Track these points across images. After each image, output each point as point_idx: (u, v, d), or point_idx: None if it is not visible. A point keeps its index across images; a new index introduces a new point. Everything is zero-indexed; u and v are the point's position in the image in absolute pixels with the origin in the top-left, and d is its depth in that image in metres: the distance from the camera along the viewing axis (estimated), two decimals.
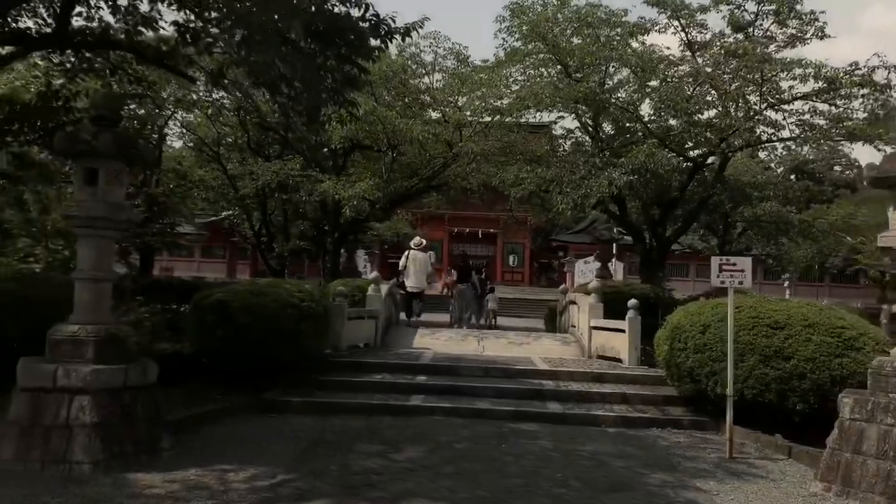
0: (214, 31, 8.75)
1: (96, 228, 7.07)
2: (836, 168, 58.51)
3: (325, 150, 19.97)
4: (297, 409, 9.46)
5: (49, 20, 9.64)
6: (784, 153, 31.81)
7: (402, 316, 17.06)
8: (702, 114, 16.01)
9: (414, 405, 9.58)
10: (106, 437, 6.42)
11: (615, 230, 26.35)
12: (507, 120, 18.92)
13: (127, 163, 7.44)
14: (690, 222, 19.78)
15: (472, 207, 44.68)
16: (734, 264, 8.40)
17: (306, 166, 18.10)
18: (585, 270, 42.62)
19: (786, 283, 41.20)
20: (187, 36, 8.94)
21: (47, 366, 6.61)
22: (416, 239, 17.30)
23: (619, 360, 12.23)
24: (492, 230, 48.51)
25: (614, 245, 26.49)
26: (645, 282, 18.64)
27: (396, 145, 17.97)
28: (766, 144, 17.71)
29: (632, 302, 12.10)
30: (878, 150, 16.05)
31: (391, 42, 8.49)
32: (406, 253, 16.04)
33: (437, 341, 14.12)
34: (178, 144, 28.30)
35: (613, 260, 42.71)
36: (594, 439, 8.54)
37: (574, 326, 15.05)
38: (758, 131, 17.42)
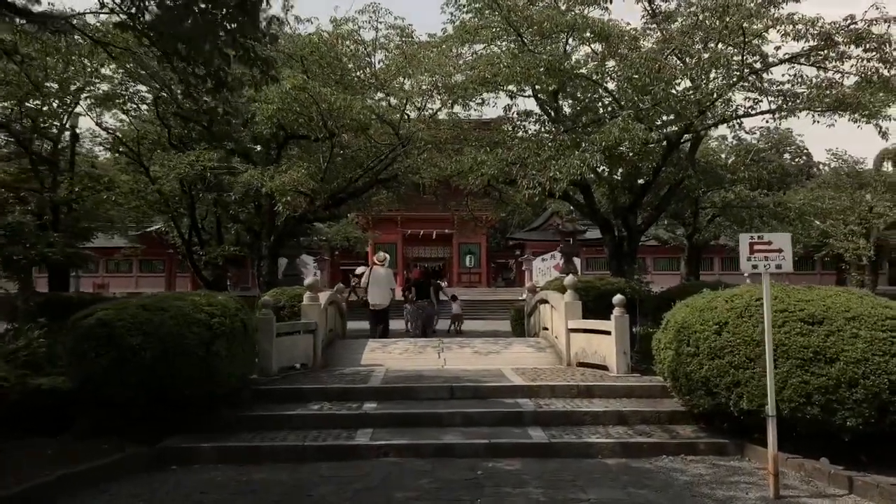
0: None
1: None
2: (786, 156, 58.29)
3: (255, 143, 17.70)
4: (208, 458, 7.28)
5: None
6: (734, 142, 30.62)
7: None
8: (676, 86, 14.26)
9: (360, 444, 7.47)
10: None
11: (577, 223, 24.58)
12: (457, 103, 16.97)
13: None
14: (662, 209, 18.09)
15: (426, 208, 42.69)
16: (769, 243, 6.55)
17: (228, 157, 15.76)
18: (543, 268, 41.20)
19: (745, 273, 40.22)
20: None
21: None
22: (380, 254, 16.93)
23: (605, 368, 10.33)
24: (446, 231, 46.45)
25: (571, 239, 24.69)
26: (615, 276, 16.87)
27: (336, 133, 15.81)
28: (743, 118, 16.03)
29: (618, 298, 10.20)
30: (868, 123, 14.52)
31: None
32: (368, 269, 15.30)
33: (389, 355, 12.02)
34: (97, 149, 25.65)
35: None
36: (595, 480, 6.55)
37: (546, 329, 13.12)
38: (734, 104, 15.81)
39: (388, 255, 17.24)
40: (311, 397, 8.95)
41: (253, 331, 9.23)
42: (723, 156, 24.18)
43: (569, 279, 11.73)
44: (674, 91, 13.53)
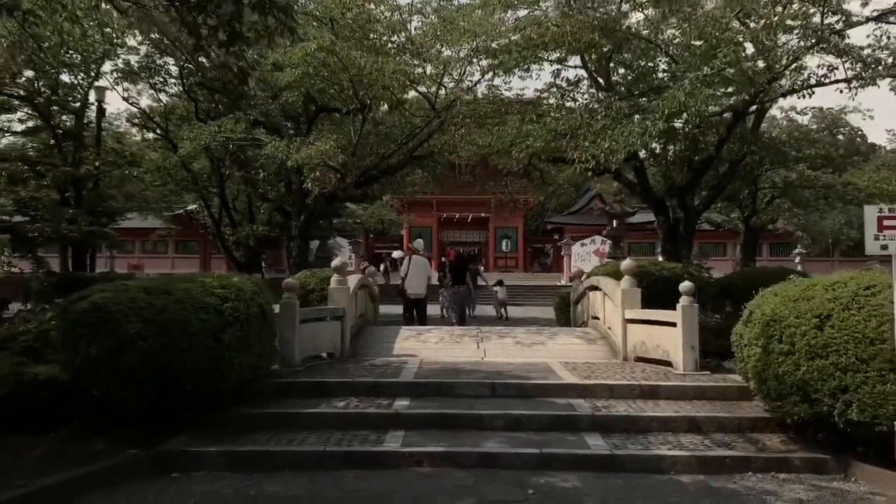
0: None
1: None
2: (839, 136, 55.59)
3: (285, 118, 16.69)
4: (214, 464, 6.28)
5: None
6: (784, 123, 28.78)
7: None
8: (744, 49, 12.80)
9: (389, 451, 6.40)
10: None
11: (625, 205, 23.10)
12: (499, 72, 15.73)
13: None
14: (721, 188, 16.62)
15: (462, 191, 41.43)
16: None
17: (252, 129, 14.78)
18: (582, 253, 39.75)
19: (797, 259, 38.25)
20: None
21: None
22: (418, 241, 16.66)
23: (669, 364, 9.10)
24: (483, 214, 45.20)
25: (619, 221, 23.17)
26: (670, 261, 15.53)
27: (368, 104, 14.72)
28: (815, 88, 14.46)
29: (685, 285, 8.93)
30: None
31: None
32: (407, 259, 14.87)
33: (424, 345, 10.94)
34: (124, 125, 25.03)
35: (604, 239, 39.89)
36: None
37: (597, 318, 11.90)
38: (806, 71, 14.29)
39: (423, 242, 16.89)
40: (336, 392, 7.92)
41: (272, 317, 8.24)
42: (773, 133, 22.55)
43: (626, 263, 10.48)
44: (744, 54, 12.08)
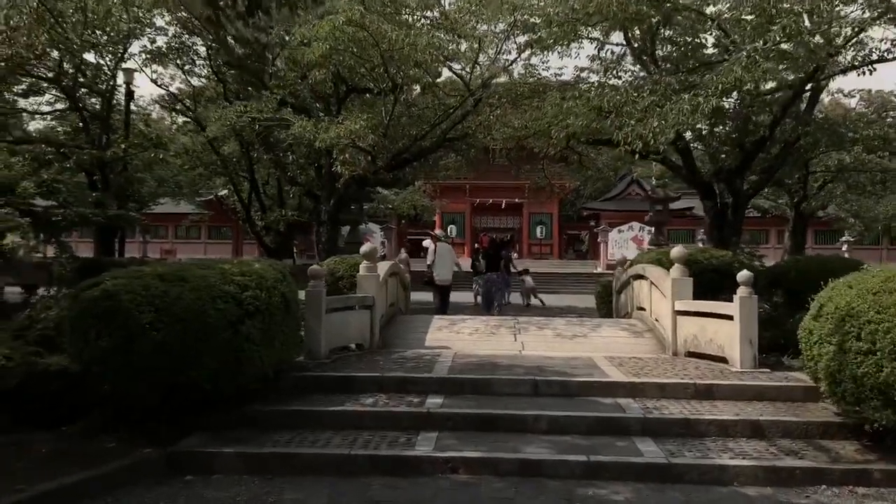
0: None
1: None
2: (888, 119, 53.51)
3: (315, 99, 16.16)
4: (231, 466, 5.81)
5: None
6: (831, 107, 27.44)
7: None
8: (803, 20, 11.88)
9: (422, 455, 5.84)
10: None
11: (668, 189, 22.14)
12: (538, 49, 15.05)
13: None
14: (773, 172, 15.69)
15: (496, 175, 40.79)
16: None
17: (279, 109, 14.25)
18: (619, 240, 38.83)
19: (843, 247, 36.75)
20: None
21: None
22: (440, 231, 18.08)
23: (724, 361, 8.39)
24: (517, 200, 44.41)
25: (662, 206, 22.19)
26: (718, 248, 14.70)
27: (400, 84, 14.13)
28: (877, 64, 13.47)
29: (744, 275, 8.19)
30: None
31: None
32: (432, 247, 14.87)
33: (458, 336, 10.36)
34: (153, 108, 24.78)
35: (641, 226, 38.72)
36: None
37: (642, 309, 11.20)
38: (868, 46, 13.36)
39: (446, 232, 16.55)
40: (364, 387, 7.39)
41: (297, 306, 7.73)
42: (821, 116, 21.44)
43: (677, 250, 9.73)
44: (805, 24, 11.17)
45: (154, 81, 20.31)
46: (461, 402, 6.98)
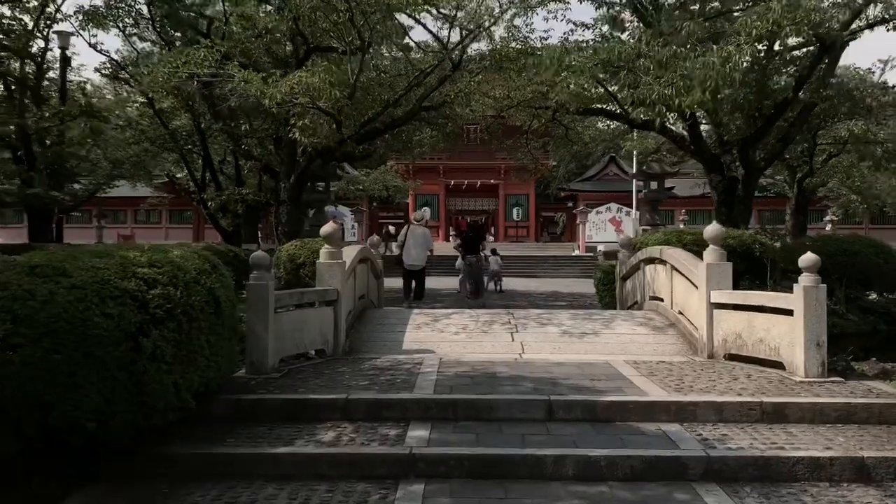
0: None
1: None
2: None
3: (270, 58, 14.14)
4: None
5: None
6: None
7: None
8: None
9: None
10: None
11: (664, 163, 20.41)
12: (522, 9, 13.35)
13: None
14: (789, 141, 14.06)
15: (471, 156, 38.98)
16: None
17: (224, 63, 12.16)
18: (597, 221, 37.42)
19: (828, 227, 35.60)
20: None
21: None
22: (418, 213, 16.09)
23: (779, 366, 6.69)
24: (492, 181, 42.71)
25: (657, 183, 20.45)
26: (725, 226, 13.06)
27: (368, 41, 12.16)
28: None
29: (809, 258, 6.45)
30: None
31: None
32: (405, 228, 13.99)
33: (442, 336, 8.52)
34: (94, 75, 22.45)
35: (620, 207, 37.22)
36: None
37: (659, 300, 9.47)
38: None
39: (425, 214, 16.86)
40: (322, 414, 5.53)
41: (233, 307, 5.82)
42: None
43: (712, 228, 7.95)
44: None
45: (93, 46, 18.02)
46: (455, 435, 5.16)
